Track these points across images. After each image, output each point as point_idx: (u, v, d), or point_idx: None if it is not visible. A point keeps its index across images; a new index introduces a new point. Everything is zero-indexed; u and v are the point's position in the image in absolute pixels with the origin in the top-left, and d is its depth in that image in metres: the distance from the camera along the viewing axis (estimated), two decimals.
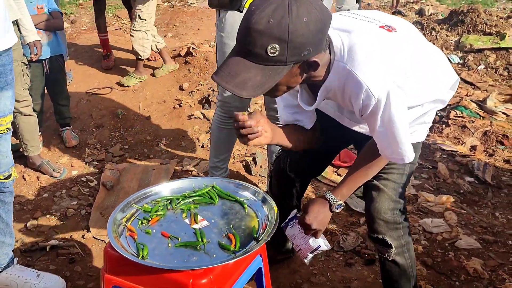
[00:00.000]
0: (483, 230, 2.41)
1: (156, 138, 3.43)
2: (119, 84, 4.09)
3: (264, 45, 1.08)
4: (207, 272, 1.19)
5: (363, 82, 1.20)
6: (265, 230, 1.37)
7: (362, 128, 1.52)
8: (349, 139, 1.70)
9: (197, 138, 3.33)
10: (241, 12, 2.00)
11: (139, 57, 3.99)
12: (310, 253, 1.50)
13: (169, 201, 1.49)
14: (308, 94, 1.40)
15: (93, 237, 2.41)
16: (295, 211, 1.56)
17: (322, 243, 1.49)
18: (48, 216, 2.58)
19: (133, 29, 3.86)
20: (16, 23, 2.51)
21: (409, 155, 1.35)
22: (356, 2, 2.10)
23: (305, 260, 1.54)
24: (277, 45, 1.08)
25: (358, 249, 2.25)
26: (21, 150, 2.93)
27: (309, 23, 1.07)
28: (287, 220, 1.55)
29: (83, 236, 2.42)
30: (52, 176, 2.95)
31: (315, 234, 1.48)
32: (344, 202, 1.48)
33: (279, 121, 2.20)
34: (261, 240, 1.31)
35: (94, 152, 3.26)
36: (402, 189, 1.55)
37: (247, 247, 1.30)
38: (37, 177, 2.94)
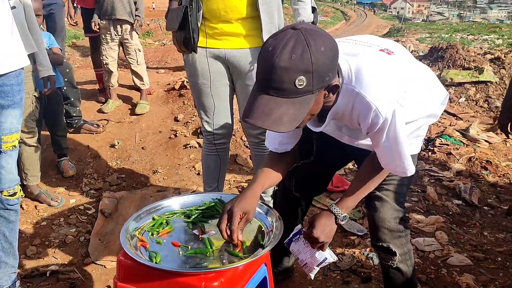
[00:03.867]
0: (473, 248, 2.50)
1: (152, 167, 3.50)
2: (133, 114, 4.34)
3: (291, 79, 1.14)
4: (218, 276, 1.25)
5: (371, 103, 1.28)
6: (270, 238, 1.44)
7: (360, 144, 1.61)
8: (349, 154, 1.78)
9: (193, 167, 3.41)
10: (196, 53, 2.15)
11: (144, 85, 4.34)
12: (316, 266, 1.53)
13: (183, 215, 1.57)
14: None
15: (93, 262, 2.42)
16: (299, 226, 1.60)
17: (328, 255, 1.53)
18: (47, 243, 2.60)
19: (137, 63, 4.20)
20: (31, 57, 2.62)
21: (411, 169, 1.44)
22: (312, 12, 2.23)
23: (310, 274, 1.57)
24: (303, 77, 1.14)
25: (354, 268, 2.31)
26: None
27: (327, 51, 1.16)
28: (290, 236, 1.58)
29: (83, 262, 2.43)
30: (50, 205, 2.98)
31: (321, 247, 1.51)
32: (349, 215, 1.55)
33: (259, 147, 2.36)
34: (267, 246, 1.38)
35: (91, 182, 3.31)
36: (402, 198, 1.64)
37: (254, 253, 1.37)
38: (35, 206, 2.96)
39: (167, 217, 1.57)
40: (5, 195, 1.77)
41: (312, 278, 1.62)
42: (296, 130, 1.52)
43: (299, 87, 1.14)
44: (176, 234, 1.49)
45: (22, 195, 1.88)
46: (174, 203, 1.64)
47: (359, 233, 2.60)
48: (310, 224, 1.50)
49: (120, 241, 1.37)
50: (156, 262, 1.30)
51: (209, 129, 2.35)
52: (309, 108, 1.21)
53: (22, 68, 1.76)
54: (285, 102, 1.17)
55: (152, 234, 1.47)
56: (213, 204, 1.61)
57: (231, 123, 2.38)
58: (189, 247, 1.40)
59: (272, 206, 1.76)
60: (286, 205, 1.88)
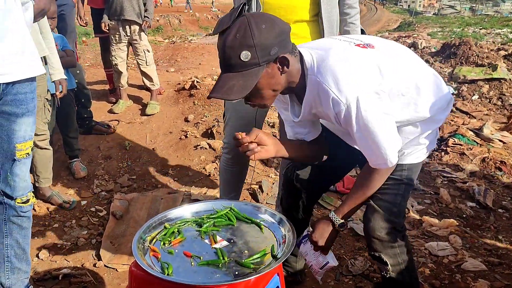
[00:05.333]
0: (487, 252, 2.46)
1: (163, 168, 3.50)
2: (143, 114, 4.34)
3: (237, 54, 1.31)
4: None
5: (329, 89, 1.36)
6: (283, 249, 1.43)
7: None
8: (355, 160, 1.77)
9: (204, 168, 3.40)
10: None
11: (154, 85, 4.33)
12: (320, 269, 1.59)
13: (195, 224, 1.56)
14: (298, 107, 1.55)
15: (105, 265, 2.43)
16: (308, 228, 1.65)
17: (330, 259, 1.59)
18: (59, 245, 2.61)
19: (146, 64, 4.18)
20: (43, 60, 2.63)
21: (392, 159, 1.43)
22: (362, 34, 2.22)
23: (317, 277, 1.63)
24: (247, 51, 1.30)
25: (367, 273, 2.29)
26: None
27: (268, 28, 1.32)
28: (300, 238, 1.64)
29: (94, 265, 2.44)
30: (61, 207, 3.00)
31: (323, 251, 1.58)
32: (347, 222, 1.59)
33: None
34: (280, 257, 1.37)
35: (102, 183, 3.32)
36: (397, 208, 1.60)
37: (266, 265, 1.36)
38: (47, 208, 2.98)
39: (179, 226, 1.56)
40: (18, 202, 1.78)
41: (319, 280, 1.68)
42: (309, 123, 1.61)
43: (244, 60, 1.31)
44: (188, 244, 1.48)
45: (35, 202, 1.88)
46: (186, 211, 1.63)
47: None
48: (312, 228, 1.58)
49: (132, 252, 1.37)
50: (168, 274, 1.30)
51: (230, 140, 2.27)
52: (258, 79, 1.33)
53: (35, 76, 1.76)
54: (235, 75, 1.34)
55: (164, 244, 1.47)
56: (224, 212, 1.60)
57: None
58: (201, 257, 1.40)
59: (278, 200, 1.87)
60: (288, 197, 1.91)
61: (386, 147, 1.40)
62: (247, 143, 1.46)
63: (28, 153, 1.76)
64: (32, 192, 1.86)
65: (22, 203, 1.80)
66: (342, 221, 1.55)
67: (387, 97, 1.39)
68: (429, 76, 1.54)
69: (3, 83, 1.59)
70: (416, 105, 1.48)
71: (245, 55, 1.30)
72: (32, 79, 1.74)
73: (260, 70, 1.33)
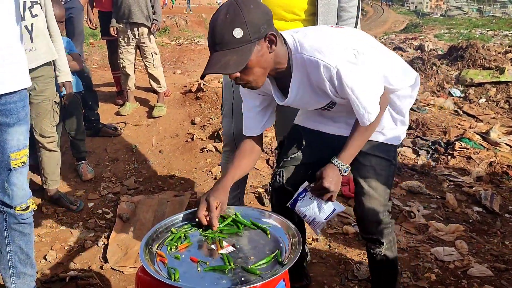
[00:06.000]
0: (494, 258, 2.46)
1: (169, 171, 3.52)
2: (150, 116, 4.36)
3: (230, 32, 1.37)
4: None
5: (318, 59, 1.45)
6: (289, 255, 1.43)
7: (343, 129, 1.74)
8: (334, 149, 1.79)
9: (210, 171, 3.42)
10: None
11: (161, 88, 4.37)
12: (325, 219, 1.63)
13: (199, 230, 1.58)
14: (280, 92, 1.65)
15: (111, 267, 2.45)
16: (305, 184, 1.68)
17: (336, 206, 1.64)
18: (66, 247, 2.64)
19: (154, 67, 4.22)
20: (52, 63, 2.66)
21: (372, 111, 1.53)
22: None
23: (318, 230, 1.68)
24: (239, 29, 1.37)
25: None
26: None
27: (256, 7, 1.40)
28: (294, 196, 1.68)
29: (101, 267, 2.46)
30: (69, 209, 3.02)
31: (331, 198, 1.63)
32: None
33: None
34: (286, 264, 1.37)
35: (109, 185, 3.34)
36: (389, 189, 1.74)
37: (272, 271, 1.36)
38: (55, 210, 3.01)
39: (185, 231, 1.57)
40: (18, 210, 1.78)
41: (319, 233, 1.79)
42: (262, 114, 1.73)
43: (237, 36, 1.37)
44: (194, 249, 1.49)
45: (35, 208, 1.87)
46: (192, 216, 1.64)
47: None
48: (317, 178, 1.62)
49: (140, 257, 1.38)
50: (175, 280, 1.30)
51: (228, 132, 2.33)
52: (251, 54, 1.40)
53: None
54: (229, 52, 1.39)
55: (171, 249, 1.48)
56: (229, 220, 1.61)
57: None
58: (208, 263, 1.40)
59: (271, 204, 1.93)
60: (281, 200, 1.89)
61: (366, 97, 1.50)
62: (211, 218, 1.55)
63: (23, 162, 1.74)
64: (32, 199, 1.85)
65: (22, 210, 1.79)
66: (347, 165, 1.61)
67: (367, 58, 1.50)
68: (394, 54, 1.74)
69: None
70: (387, 77, 1.59)
71: (238, 32, 1.37)
72: (19, 91, 1.68)
73: (252, 47, 1.40)
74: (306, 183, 1.69)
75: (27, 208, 1.81)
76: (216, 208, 1.56)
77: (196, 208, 1.59)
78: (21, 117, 1.69)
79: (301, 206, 1.66)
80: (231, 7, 1.39)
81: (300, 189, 1.68)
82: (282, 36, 1.53)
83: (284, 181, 1.83)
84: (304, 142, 1.85)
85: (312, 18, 2.11)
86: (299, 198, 1.66)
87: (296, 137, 1.87)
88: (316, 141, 1.82)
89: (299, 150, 1.84)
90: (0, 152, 1.67)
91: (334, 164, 1.62)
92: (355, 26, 2.23)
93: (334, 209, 1.64)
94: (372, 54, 1.57)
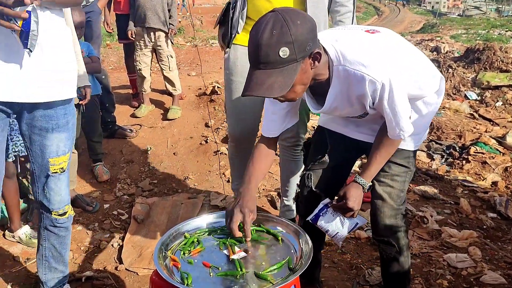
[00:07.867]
0: (508, 265, 2.44)
1: (183, 173, 3.56)
2: (165, 119, 4.42)
3: (276, 51, 1.31)
4: None
5: (364, 74, 1.43)
6: (300, 261, 1.45)
7: (367, 134, 1.76)
8: (358, 150, 1.89)
9: (223, 173, 3.45)
10: (229, 48, 2.23)
11: (176, 90, 4.41)
12: (347, 233, 1.67)
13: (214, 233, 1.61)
14: (314, 99, 1.65)
15: (126, 269, 2.49)
16: (326, 200, 1.71)
17: (359, 220, 1.68)
18: (82, 248, 2.70)
19: (169, 70, 4.29)
20: None
21: (407, 130, 1.54)
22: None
23: (340, 243, 1.72)
24: (286, 48, 1.31)
25: None
26: None
27: (302, 24, 1.34)
28: (316, 212, 1.70)
29: (116, 268, 2.51)
30: (85, 210, 3.08)
31: (353, 215, 1.66)
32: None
33: (290, 151, 2.45)
34: (297, 270, 1.39)
35: (124, 187, 3.40)
36: (403, 194, 1.77)
37: (283, 277, 1.38)
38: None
39: (198, 236, 1.60)
40: (54, 214, 1.84)
41: (340, 245, 1.85)
42: (285, 115, 1.70)
43: (283, 57, 1.32)
44: (207, 254, 1.52)
45: (72, 214, 1.92)
46: (204, 221, 1.67)
47: None
48: (342, 197, 1.65)
49: (154, 261, 1.41)
50: (187, 284, 1.33)
51: (233, 131, 2.40)
52: (296, 75, 1.36)
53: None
54: (274, 72, 1.34)
55: (184, 254, 1.51)
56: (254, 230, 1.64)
57: (256, 127, 2.41)
58: (220, 268, 1.43)
59: (295, 209, 1.94)
60: (309, 204, 1.91)
61: (405, 122, 1.52)
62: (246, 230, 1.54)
63: (62, 168, 1.77)
64: (69, 205, 1.90)
65: (58, 215, 1.85)
66: (370, 183, 1.65)
67: (404, 73, 1.51)
68: (425, 57, 1.71)
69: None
70: (418, 81, 1.60)
71: (284, 52, 1.31)
72: (65, 100, 1.70)
73: (298, 66, 1.36)
74: (327, 200, 1.71)
75: (64, 213, 1.87)
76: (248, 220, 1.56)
77: (227, 219, 1.58)
78: (61, 124, 1.70)
79: (324, 222, 1.68)
80: (277, 23, 1.32)
81: (321, 205, 1.70)
82: (323, 46, 1.49)
83: (312, 184, 1.87)
84: (328, 146, 1.87)
85: None
86: (321, 214, 1.68)
87: (322, 140, 1.88)
88: (340, 144, 1.84)
89: (326, 154, 1.86)
90: (40, 156, 1.72)
91: (359, 183, 1.64)
92: (352, 22, 2.23)
93: (357, 223, 1.67)
94: (408, 70, 1.55)
